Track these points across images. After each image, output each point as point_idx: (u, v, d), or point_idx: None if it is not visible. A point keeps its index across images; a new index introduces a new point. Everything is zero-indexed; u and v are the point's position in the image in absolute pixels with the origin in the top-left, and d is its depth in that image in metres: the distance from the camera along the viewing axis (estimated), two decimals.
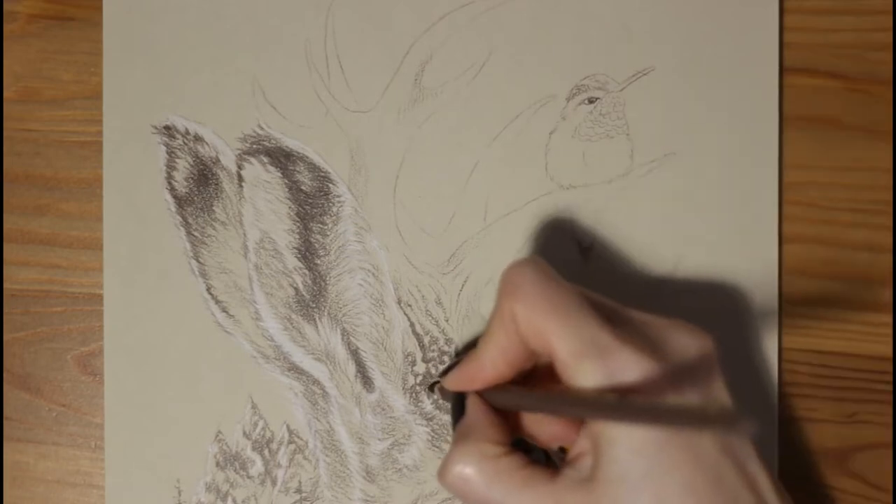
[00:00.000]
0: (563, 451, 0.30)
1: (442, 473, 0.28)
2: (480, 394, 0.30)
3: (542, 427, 0.30)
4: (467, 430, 0.29)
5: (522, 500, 0.27)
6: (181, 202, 0.36)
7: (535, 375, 0.30)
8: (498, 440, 0.28)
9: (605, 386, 0.26)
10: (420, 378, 0.36)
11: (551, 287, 0.28)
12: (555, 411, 0.28)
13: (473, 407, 0.30)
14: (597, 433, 0.26)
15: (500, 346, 0.28)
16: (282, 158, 0.36)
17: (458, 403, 0.31)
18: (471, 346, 0.33)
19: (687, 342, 0.28)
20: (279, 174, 0.36)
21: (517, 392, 0.29)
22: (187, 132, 0.37)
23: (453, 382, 0.30)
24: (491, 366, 0.29)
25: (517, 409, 0.30)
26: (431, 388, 0.35)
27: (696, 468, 0.26)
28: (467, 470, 0.28)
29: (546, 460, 0.32)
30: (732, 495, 0.26)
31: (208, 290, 0.36)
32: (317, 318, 0.36)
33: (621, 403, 0.25)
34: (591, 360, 0.26)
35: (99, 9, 0.37)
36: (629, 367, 0.26)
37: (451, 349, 0.36)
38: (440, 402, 0.35)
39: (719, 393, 0.28)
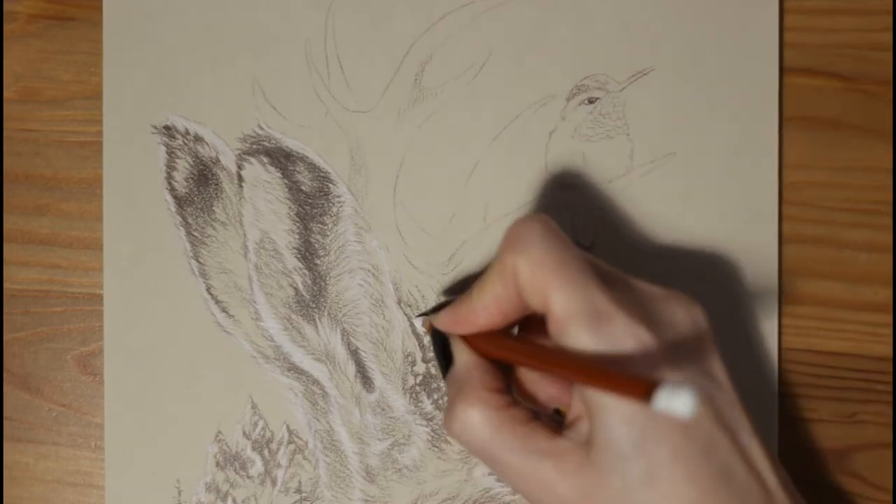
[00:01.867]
0: (558, 413, 0.30)
1: (446, 423, 0.28)
2: (467, 340, 0.30)
3: (537, 387, 0.30)
4: (464, 377, 0.29)
5: (523, 455, 0.27)
6: (181, 202, 0.36)
7: (522, 331, 0.30)
8: (498, 388, 0.28)
9: (595, 350, 0.26)
10: (420, 378, 0.36)
11: (557, 245, 0.27)
12: (540, 366, 0.28)
13: (462, 354, 0.30)
14: (588, 399, 0.26)
15: (496, 295, 0.28)
16: (282, 158, 0.36)
17: (441, 349, 0.31)
18: (454, 290, 0.32)
19: (683, 315, 0.28)
20: (279, 174, 0.36)
21: (507, 341, 0.29)
22: (187, 132, 0.37)
23: (444, 321, 0.30)
24: (484, 312, 0.29)
25: (502, 359, 0.29)
26: (422, 318, 0.35)
27: (686, 437, 0.25)
28: (471, 419, 0.28)
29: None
30: (724, 464, 0.26)
31: (208, 290, 0.36)
32: (317, 319, 0.36)
33: (604, 371, 0.25)
34: (586, 321, 0.26)
35: (99, 9, 0.37)
36: (624, 334, 0.26)
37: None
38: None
39: (715, 367, 0.28)
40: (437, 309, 0.31)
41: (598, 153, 0.35)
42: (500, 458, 0.27)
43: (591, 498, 0.26)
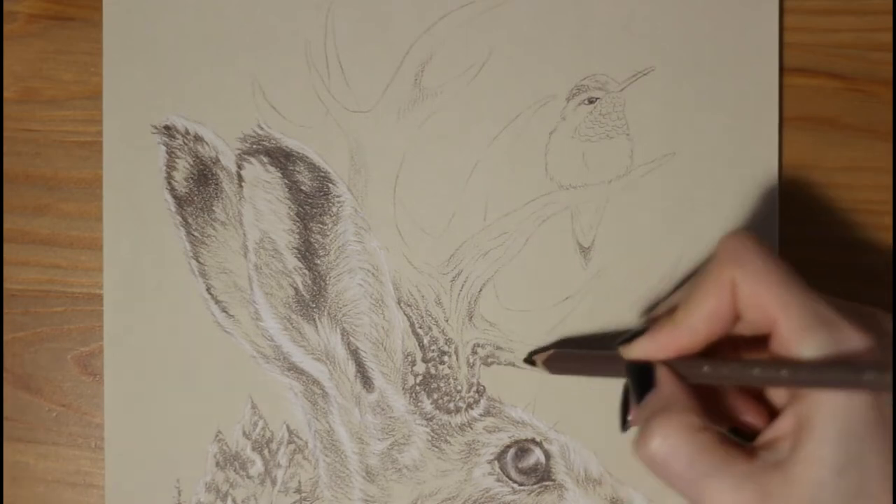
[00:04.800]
0: (734, 432, 0.30)
1: (642, 445, 0.28)
2: (670, 365, 0.29)
3: (728, 410, 0.30)
4: (666, 402, 0.28)
5: (722, 478, 0.27)
6: (181, 202, 0.36)
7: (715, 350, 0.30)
8: (699, 411, 0.28)
9: (831, 356, 0.26)
10: (420, 378, 0.36)
11: (775, 260, 0.28)
12: (765, 381, 0.28)
13: (667, 378, 0.29)
14: (805, 414, 0.26)
15: (708, 311, 0.28)
16: (282, 158, 0.36)
17: (638, 375, 0.30)
18: (633, 333, 0.31)
19: (888, 326, 0.28)
20: (279, 174, 0.36)
21: (716, 362, 0.28)
22: (187, 132, 0.37)
23: (645, 349, 0.30)
24: (689, 333, 0.28)
25: (712, 382, 0.29)
26: (529, 360, 0.35)
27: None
28: (671, 442, 0.27)
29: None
30: None
31: (208, 290, 0.36)
32: (316, 318, 0.36)
33: (842, 367, 0.25)
34: (819, 331, 0.26)
35: (99, 9, 0.37)
36: (854, 341, 0.26)
37: (452, 349, 0.36)
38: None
39: None
40: (632, 337, 0.30)
41: (598, 153, 0.35)
42: (698, 483, 0.27)
43: None
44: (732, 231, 0.29)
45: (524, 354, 0.35)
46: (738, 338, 0.30)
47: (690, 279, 0.29)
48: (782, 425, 0.27)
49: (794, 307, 0.27)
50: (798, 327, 0.26)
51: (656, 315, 0.32)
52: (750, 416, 0.30)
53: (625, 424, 0.32)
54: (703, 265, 0.29)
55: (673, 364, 0.29)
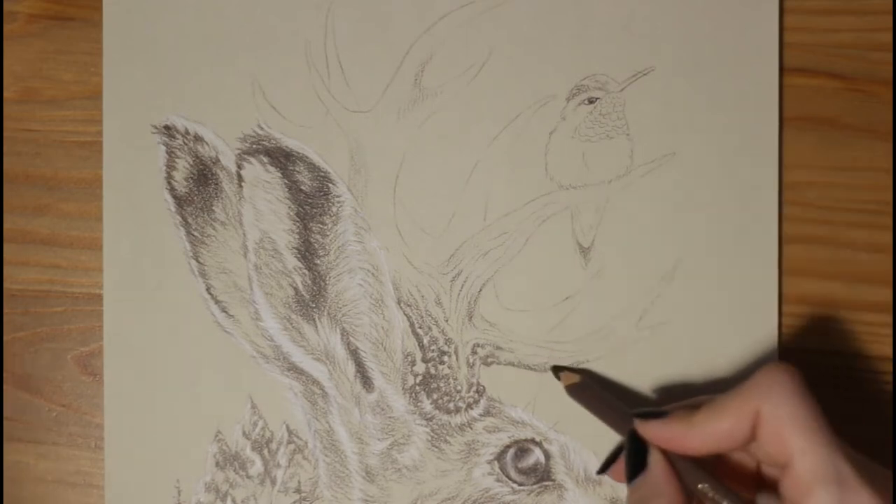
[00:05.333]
0: None
1: None
2: (668, 456, 0.30)
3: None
4: (652, 491, 0.29)
5: None
6: (181, 202, 0.36)
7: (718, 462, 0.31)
8: (683, 502, 0.29)
9: None
10: (420, 378, 0.36)
11: (807, 402, 0.28)
12: None
13: (659, 467, 0.30)
14: None
15: (723, 430, 0.29)
16: (282, 158, 0.36)
17: (635, 448, 0.31)
18: (652, 412, 0.32)
19: None
20: (279, 174, 0.36)
21: (715, 484, 0.29)
22: (187, 132, 0.37)
23: (655, 434, 0.31)
24: (699, 439, 0.29)
25: (702, 496, 0.30)
26: (556, 371, 0.35)
27: None
28: None
29: None
30: None
31: (208, 290, 0.36)
32: (316, 318, 0.36)
33: None
34: (830, 486, 0.27)
35: (99, 9, 0.37)
36: (864, 501, 0.26)
37: (452, 349, 0.36)
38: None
39: None
40: (650, 415, 0.31)
41: (598, 153, 0.35)
42: None
43: None
44: (774, 363, 0.30)
45: (524, 354, 0.35)
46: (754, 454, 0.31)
47: (730, 391, 0.30)
48: None
49: (810, 456, 0.27)
50: (811, 476, 0.27)
51: (678, 406, 0.32)
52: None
53: (603, 471, 0.33)
54: (748, 377, 0.30)
55: (672, 458, 0.30)
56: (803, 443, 0.27)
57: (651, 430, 0.31)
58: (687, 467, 0.30)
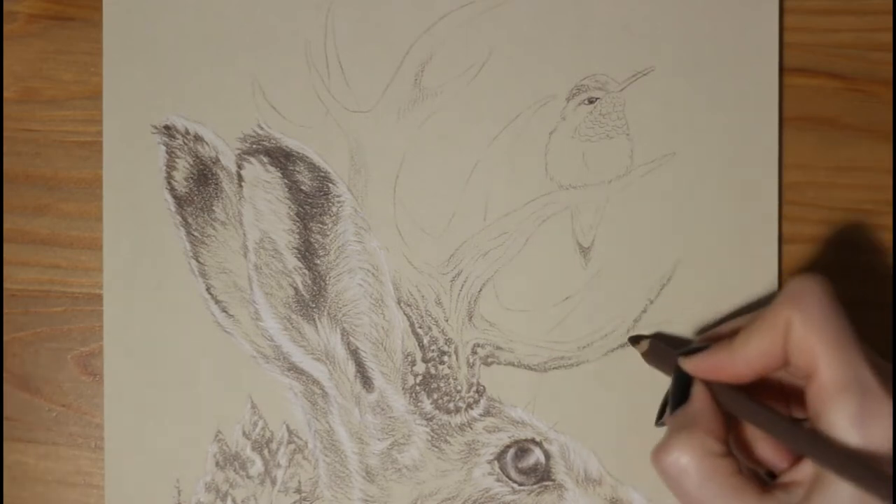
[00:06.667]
0: (770, 475, 0.30)
1: (658, 456, 0.29)
2: (712, 388, 0.30)
3: (756, 446, 0.30)
4: (691, 419, 0.29)
5: None
6: (181, 202, 0.36)
7: (762, 386, 0.31)
8: (721, 437, 0.29)
9: (852, 426, 0.26)
10: (420, 378, 0.36)
11: (835, 311, 0.28)
12: (786, 441, 0.28)
13: (701, 396, 0.30)
14: (821, 473, 0.27)
15: (761, 349, 0.29)
16: (282, 158, 0.36)
17: (680, 384, 0.31)
18: (695, 348, 0.32)
19: None
20: (279, 174, 0.36)
21: (755, 406, 0.29)
22: (187, 132, 0.37)
23: (698, 367, 0.30)
24: (743, 363, 0.29)
25: (744, 418, 0.30)
26: (634, 340, 0.35)
27: None
28: (685, 460, 0.28)
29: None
30: None
31: (208, 289, 0.36)
32: (316, 318, 0.36)
33: (860, 466, 0.25)
34: (851, 395, 0.26)
35: (99, 9, 0.37)
36: (884, 416, 0.26)
37: (452, 349, 0.36)
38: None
39: None
40: (693, 351, 0.31)
41: (598, 153, 0.35)
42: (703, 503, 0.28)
43: None
44: (804, 273, 0.29)
45: (524, 354, 0.35)
46: (784, 384, 0.31)
47: (757, 307, 0.30)
48: (802, 472, 0.28)
49: (836, 362, 0.27)
50: (835, 384, 0.27)
51: (718, 333, 0.32)
52: (776, 453, 0.30)
53: (659, 420, 0.32)
54: (774, 296, 0.29)
55: (713, 387, 0.30)
56: (830, 349, 0.27)
57: (695, 364, 0.30)
58: (734, 398, 0.29)
